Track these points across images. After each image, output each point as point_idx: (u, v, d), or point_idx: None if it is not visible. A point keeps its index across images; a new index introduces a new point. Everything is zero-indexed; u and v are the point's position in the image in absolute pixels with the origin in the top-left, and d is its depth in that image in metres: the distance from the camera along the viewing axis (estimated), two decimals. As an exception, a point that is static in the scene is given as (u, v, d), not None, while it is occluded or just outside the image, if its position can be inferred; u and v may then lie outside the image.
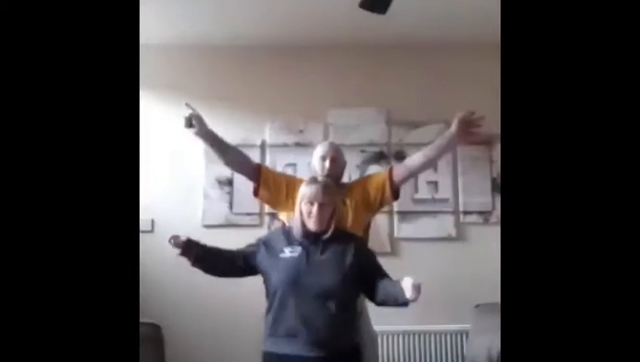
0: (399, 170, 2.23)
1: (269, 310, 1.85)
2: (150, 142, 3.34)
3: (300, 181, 2.17)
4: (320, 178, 2.05)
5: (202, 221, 3.40)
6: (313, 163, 2.24)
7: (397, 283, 1.78)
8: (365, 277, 1.88)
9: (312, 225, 1.87)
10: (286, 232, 1.96)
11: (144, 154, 2.82)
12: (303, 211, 1.90)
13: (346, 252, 1.87)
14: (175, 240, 1.90)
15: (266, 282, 1.91)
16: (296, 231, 1.91)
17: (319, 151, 2.23)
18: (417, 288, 1.71)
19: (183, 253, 1.91)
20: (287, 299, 1.80)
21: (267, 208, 3.39)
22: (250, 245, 1.98)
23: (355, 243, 1.93)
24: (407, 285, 1.72)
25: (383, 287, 1.85)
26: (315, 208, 1.87)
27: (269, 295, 1.87)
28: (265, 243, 1.95)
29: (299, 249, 1.87)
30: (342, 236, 1.93)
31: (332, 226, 1.89)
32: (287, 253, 1.87)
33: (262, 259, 1.91)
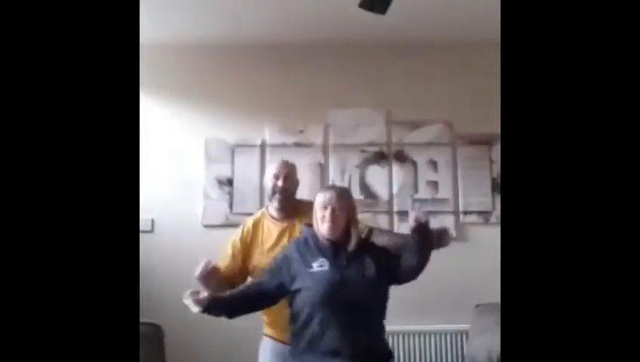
0: None
1: (304, 325, 1.79)
2: (150, 142, 3.34)
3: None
4: (337, 185, 2.04)
5: (202, 221, 3.40)
6: (266, 181, 2.20)
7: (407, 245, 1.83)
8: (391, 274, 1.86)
9: (325, 230, 1.83)
10: (305, 243, 1.89)
11: (144, 154, 2.83)
12: (317, 218, 1.87)
13: (369, 262, 1.83)
14: (195, 297, 1.72)
15: (294, 296, 1.83)
16: (318, 239, 1.87)
17: (272, 169, 2.19)
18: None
19: (208, 311, 1.75)
20: (325, 316, 1.75)
21: (267, 208, 3.41)
22: (272, 269, 1.90)
23: (373, 252, 1.88)
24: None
25: (402, 263, 1.84)
26: (328, 212, 1.83)
27: (299, 309, 1.81)
28: (287, 259, 1.88)
29: (326, 262, 1.81)
30: (360, 245, 1.88)
31: (354, 236, 1.85)
32: (316, 267, 1.81)
33: (290, 274, 1.84)
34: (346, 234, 1.86)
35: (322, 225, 1.85)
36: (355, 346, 1.74)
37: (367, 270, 1.82)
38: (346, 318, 1.75)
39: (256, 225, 2.18)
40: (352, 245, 1.84)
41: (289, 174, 2.17)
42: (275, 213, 2.16)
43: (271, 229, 2.14)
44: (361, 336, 1.75)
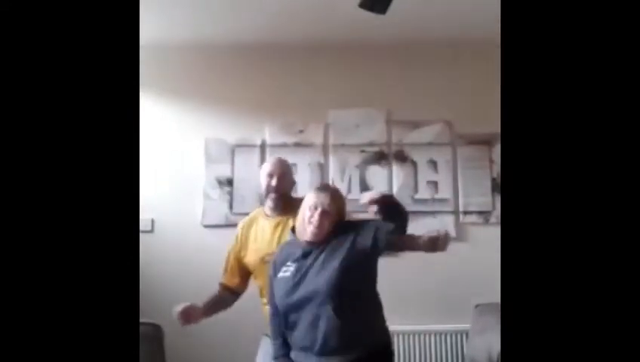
0: None
1: (281, 330, 1.83)
2: (150, 142, 3.34)
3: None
4: (332, 185, 2.02)
5: (202, 221, 3.40)
6: (260, 180, 2.17)
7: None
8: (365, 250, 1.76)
9: (309, 231, 1.80)
10: (284, 250, 1.90)
11: (144, 154, 2.83)
12: (305, 217, 1.82)
13: (340, 246, 1.78)
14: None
15: (270, 301, 1.89)
16: (295, 242, 1.86)
17: (266, 168, 2.16)
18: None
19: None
20: (290, 318, 1.77)
21: (267, 208, 3.41)
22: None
23: (346, 234, 1.80)
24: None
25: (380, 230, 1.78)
26: (317, 213, 1.79)
27: (275, 314, 1.85)
28: (274, 264, 1.89)
29: (292, 266, 1.80)
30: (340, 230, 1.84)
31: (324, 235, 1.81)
32: (282, 272, 1.82)
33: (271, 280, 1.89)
34: (327, 236, 1.81)
35: (308, 226, 1.80)
36: (322, 342, 1.70)
37: (329, 262, 1.75)
38: (307, 317, 1.73)
39: (249, 225, 2.19)
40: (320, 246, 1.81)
41: (283, 173, 2.14)
42: (269, 212, 2.15)
43: (265, 227, 2.13)
44: (326, 331, 1.69)
